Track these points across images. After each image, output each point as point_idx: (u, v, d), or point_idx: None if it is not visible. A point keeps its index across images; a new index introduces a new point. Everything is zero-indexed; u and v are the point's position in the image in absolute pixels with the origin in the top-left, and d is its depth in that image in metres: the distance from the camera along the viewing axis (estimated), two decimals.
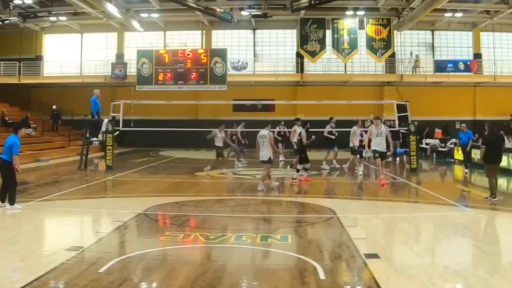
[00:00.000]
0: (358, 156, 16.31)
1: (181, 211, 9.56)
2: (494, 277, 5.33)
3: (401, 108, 18.67)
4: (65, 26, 30.15)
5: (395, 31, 29.22)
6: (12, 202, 9.17)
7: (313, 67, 30.56)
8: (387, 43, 28.66)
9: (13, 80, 29.46)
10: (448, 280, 5.25)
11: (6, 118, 23.16)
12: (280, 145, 18.93)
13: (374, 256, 6.12)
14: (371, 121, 15.46)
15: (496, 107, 28.40)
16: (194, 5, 24.46)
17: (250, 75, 29.67)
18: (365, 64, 29.91)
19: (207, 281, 5.17)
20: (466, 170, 16.00)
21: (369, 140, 14.04)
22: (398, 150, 19.16)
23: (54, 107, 27.59)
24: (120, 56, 31.12)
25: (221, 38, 31.48)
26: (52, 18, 27.77)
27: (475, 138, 17.62)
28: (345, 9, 27.61)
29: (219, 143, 16.44)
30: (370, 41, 28.59)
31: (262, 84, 29.85)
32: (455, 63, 28.88)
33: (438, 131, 24.74)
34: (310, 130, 14.30)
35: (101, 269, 5.47)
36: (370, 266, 5.65)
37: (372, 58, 29.14)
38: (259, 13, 25.89)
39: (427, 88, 29.40)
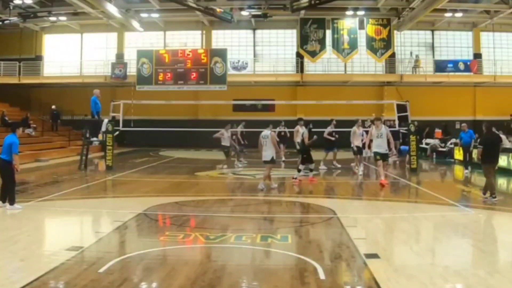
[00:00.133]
0: (359, 156, 16.30)
1: (181, 211, 9.56)
2: (494, 277, 5.33)
3: (401, 108, 18.67)
4: (65, 26, 30.14)
5: (395, 31, 29.21)
6: (12, 202, 9.17)
7: (313, 67, 30.56)
8: (387, 43, 28.66)
9: (13, 80, 29.46)
10: (448, 280, 5.25)
11: (6, 118, 23.15)
12: (281, 145, 18.91)
13: (374, 256, 6.12)
14: (372, 122, 15.43)
15: (496, 107, 28.39)
16: (194, 5, 24.46)
17: (250, 75, 29.66)
18: (365, 64, 29.90)
19: (207, 281, 5.17)
20: (466, 171, 15.97)
21: (370, 141, 14.03)
22: (403, 147, 19.13)
23: (53, 107, 27.59)
24: (120, 56, 31.11)
25: (221, 38, 31.47)
26: (52, 18, 27.77)
27: (476, 137, 17.59)
28: (345, 9, 27.60)
29: (226, 142, 16.44)
30: (370, 41, 28.59)
31: (262, 84, 29.84)
32: (455, 63, 28.87)
33: (438, 131, 24.72)
34: (312, 130, 14.32)
35: (101, 269, 5.47)
36: (370, 266, 5.65)
37: (372, 58, 29.14)
38: (259, 13, 25.89)
39: (427, 88, 29.39)
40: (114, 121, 17.35)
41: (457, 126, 26.28)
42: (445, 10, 26.78)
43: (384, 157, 13.01)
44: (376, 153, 13.00)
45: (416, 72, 29.43)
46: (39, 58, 30.97)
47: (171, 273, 5.45)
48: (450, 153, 21.27)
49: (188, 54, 27.77)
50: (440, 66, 28.96)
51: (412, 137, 16.67)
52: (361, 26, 28.62)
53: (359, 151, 16.29)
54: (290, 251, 6.49)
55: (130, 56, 29.94)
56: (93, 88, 18.04)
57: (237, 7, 26.05)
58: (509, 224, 9.13)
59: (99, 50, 31.25)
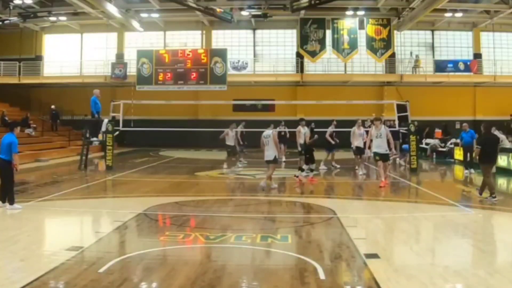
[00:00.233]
0: (359, 156, 16.30)
1: (181, 211, 9.56)
2: (494, 277, 5.33)
3: (401, 108, 18.66)
4: (65, 26, 30.15)
5: (395, 31, 29.22)
6: (11, 202, 9.17)
7: (313, 67, 30.57)
8: (387, 43, 28.67)
9: (13, 80, 29.47)
10: (448, 280, 5.25)
11: (6, 118, 23.14)
12: (281, 145, 18.90)
13: (374, 256, 6.12)
14: (371, 122, 15.41)
15: (496, 107, 28.40)
16: (194, 5, 24.47)
17: (250, 75, 29.67)
18: (365, 64, 29.92)
19: (207, 281, 5.17)
20: (467, 171, 15.95)
21: (370, 141, 14.00)
22: (405, 146, 19.10)
23: (52, 106, 27.60)
24: (120, 56, 31.12)
25: (221, 38, 31.48)
26: (52, 18, 27.78)
27: (477, 137, 17.55)
28: (345, 9, 27.62)
29: (230, 142, 16.42)
30: (370, 41, 28.60)
31: (262, 84, 29.85)
32: (455, 63, 28.88)
33: (438, 131, 24.72)
34: (314, 129, 14.34)
35: (101, 269, 5.47)
36: (370, 266, 5.65)
37: (372, 58, 29.15)
38: (259, 13, 25.90)
39: (427, 88, 29.40)
40: (114, 121, 17.36)
41: (457, 126, 26.32)
42: (445, 10, 26.79)
43: (383, 157, 12.92)
44: (375, 154, 12.96)
45: (416, 72, 29.44)
46: (39, 58, 30.99)
47: (171, 273, 5.44)
48: (450, 153, 21.27)
49: (188, 54, 27.79)
50: (440, 66, 28.98)
51: (412, 137, 16.67)
52: (361, 26, 28.63)
53: (359, 151, 16.27)
54: (290, 251, 6.49)
55: (130, 56, 29.96)
56: (93, 88, 18.04)
57: (237, 7, 26.06)
58: (509, 224, 9.13)
59: (99, 50, 31.27)
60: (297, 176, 13.52)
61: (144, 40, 31.24)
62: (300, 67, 30.02)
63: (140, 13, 28.40)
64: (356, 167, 16.40)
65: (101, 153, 19.68)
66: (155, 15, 28.66)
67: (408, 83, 29.38)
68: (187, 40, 31.47)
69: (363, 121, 17.69)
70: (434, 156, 22.27)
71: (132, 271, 5.64)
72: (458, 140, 18.50)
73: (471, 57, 29.94)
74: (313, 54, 29.13)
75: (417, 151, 16.82)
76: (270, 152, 12.11)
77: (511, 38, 30.53)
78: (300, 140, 14.33)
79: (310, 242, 7.12)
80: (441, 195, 11.11)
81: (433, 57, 30.39)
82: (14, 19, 26.29)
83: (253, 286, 5.33)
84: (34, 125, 24.40)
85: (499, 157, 15.79)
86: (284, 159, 19.34)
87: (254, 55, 31.03)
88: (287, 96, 29.58)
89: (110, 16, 27.03)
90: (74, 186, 12.68)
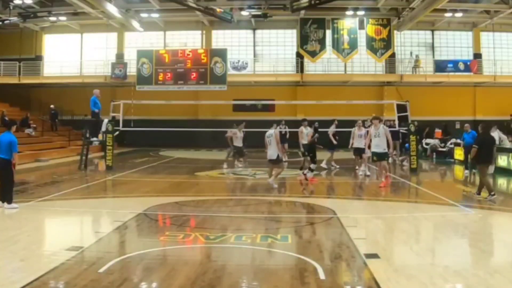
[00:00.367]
0: (359, 156, 16.28)
1: (181, 211, 9.56)
2: (494, 277, 5.33)
3: (401, 108, 18.67)
4: (65, 26, 30.15)
5: (395, 31, 29.22)
6: (10, 201, 9.18)
7: (313, 67, 30.56)
8: (387, 43, 28.66)
9: (13, 80, 29.46)
10: (448, 280, 5.25)
11: (6, 118, 23.12)
12: (283, 144, 18.89)
13: (374, 256, 6.12)
14: (371, 121, 15.40)
15: (496, 107, 28.39)
16: (194, 5, 24.46)
17: (250, 75, 29.67)
18: (365, 64, 29.91)
19: (207, 281, 5.17)
20: (467, 171, 15.94)
21: (370, 141, 14.00)
22: (407, 145, 19.09)
23: (52, 106, 27.60)
24: (120, 56, 31.12)
25: (221, 38, 31.48)
26: (52, 18, 27.78)
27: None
28: (345, 9, 27.61)
29: (238, 143, 16.42)
30: (370, 41, 28.60)
31: (262, 84, 29.84)
32: (455, 63, 28.88)
33: (438, 131, 24.71)
34: (317, 129, 14.35)
35: (101, 269, 5.47)
36: (370, 266, 5.65)
37: (372, 58, 29.14)
38: (259, 13, 25.89)
39: (427, 88, 29.40)
40: (114, 121, 17.36)
41: (457, 126, 26.34)
42: (445, 10, 26.78)
43: (381, 156, 12.84)
44: (373, 153, 12.97)
45: (416, 72, 29.43)
46: (39, 58, 30.98)
47: (171, 273, 5.44)
48: (450, 153, 21.28)
49: (188, 54, 27.77)
50: (440, 66, 28.97)
51: (412, 137, 16.66)
52: (361, 26, 28.63)
53: (359, 152, 16.25)
54: (290, 251, 6.48)
55: (130, 56, 29.95)
56: (93, 88, 18.05)
57: (237, 7, 26.05)
58: (509, 224, 9.12)
59: (99, 50, 31.27)
60: (305, 174, 13.54)
61: (144, 40, 31.24)
62: (300, 67, 30.02)
63: (140, 13, 28.40)
64: (357, 167, 16.39)
65: (101, 153, 19.69)
66: (155, 15, 28.66)
67: (408, 83, 29.38)
68: (187, 40, 31.46)
69: (363, 121, 17.66)
70: (434, 156, 22.28)
71: (132, 271, 5.64)
72: (460, 141, 18.48)
73: (471, 57, 29.93)
74: (313, 54, 29.13)
75: (417, 151, 16.80)
76: (272, 151, 12.20)
77: (511, 38, 30.53)
78: (303, 141, 14.36)
79: (310, 242, 7.12)
80: (441, 195, 11.12)
81: (433, 57, 30.38)
82: (14, 19, 26.29)
83: (253, 286, 5.33)
84: (34, 125, 24.39)
85: (499, 157, 15.84)
86: (285, 158, 19.32)
87: (254, 55, 31.03)
88: (287, 96, 29.57)
89: (110, 16, 27.03)
90: (74, 186, 12.67)
